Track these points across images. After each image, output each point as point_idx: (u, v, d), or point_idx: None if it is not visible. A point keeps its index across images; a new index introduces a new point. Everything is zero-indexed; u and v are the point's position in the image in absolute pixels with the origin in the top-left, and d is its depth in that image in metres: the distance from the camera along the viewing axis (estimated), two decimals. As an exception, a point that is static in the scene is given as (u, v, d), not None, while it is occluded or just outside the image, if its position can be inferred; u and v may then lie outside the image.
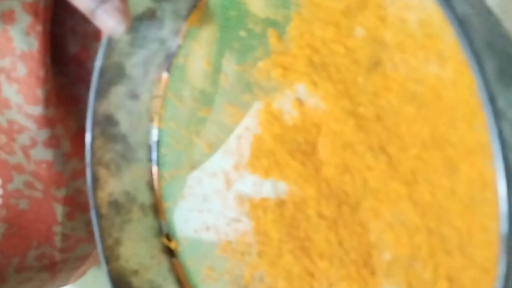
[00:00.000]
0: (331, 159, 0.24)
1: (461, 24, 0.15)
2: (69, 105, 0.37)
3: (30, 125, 0.34)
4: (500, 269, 0.15)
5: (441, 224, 0.20)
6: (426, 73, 0.20)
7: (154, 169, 0.34)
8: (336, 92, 0.23)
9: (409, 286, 0.22)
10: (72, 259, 0.39)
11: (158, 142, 0.34)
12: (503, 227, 0.15)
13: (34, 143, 0.35)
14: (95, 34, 0.37)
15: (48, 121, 0.35)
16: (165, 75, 0.33)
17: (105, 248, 0.32)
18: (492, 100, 0.15)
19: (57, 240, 0.37)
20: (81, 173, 0.37)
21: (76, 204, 0.37)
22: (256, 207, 0.28)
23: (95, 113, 0.32)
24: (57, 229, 0.37)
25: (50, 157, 0.35)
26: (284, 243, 0.26)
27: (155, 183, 0.35)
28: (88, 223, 0.38)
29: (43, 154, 0.35)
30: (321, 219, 0.24)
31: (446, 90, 0.20)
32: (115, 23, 0.27)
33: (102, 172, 0.33)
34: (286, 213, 0.26)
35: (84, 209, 0.38)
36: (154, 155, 0.34)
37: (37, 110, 0.34)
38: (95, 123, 0.33)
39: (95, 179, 0.33)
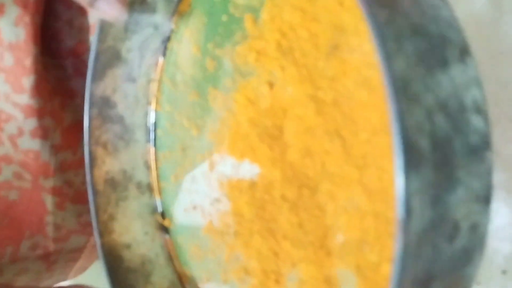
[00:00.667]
0: (295, 143, 0.24)
1: (374, 14, 0.15)
2: (65, 98, 0.38)
3: (17, 114, 0.36)
4: (396, 251, 0.15)
5: (387, 208, 0.20)
6: (376, 57, 0.20)
7: (152, 150, 0.36)
8: (300, 77, 0.24)
9: (358, 269, 0.22)
10: (66, 250, 0.40)
11: (155, 124, 0.36)
12: (400, 213, 0.15)
13: (21, 132, 0.36)
14: (92, 27, 0.38)
15: (35, 112, 0.36)
16: (161, 59, 0.35)
17: (99, 223, 0.35)
18: (405, 84, 0.15)
19: (49, 230, 0.38)
20: (72, 165, 0.39)
21: (65, 195, 0.38)
22: (233, 188, 0.29)
23: (92, 94, 0.34)
24: (49, 219, 0.38)
25: (37, 147, 0.37)
26: (254, 224, 0.27)
27: (152, 163, 0.36)
28: (79, 214, 0.40)
29: (30, 144, 0.36)
30: (284, 201, 0.25)
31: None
32: (117, 12, 0.29)
33: (100, 152, 0.35)
34: (256, 194, 0.27)
35: (74, 200, 0.39)
36: (151, 137, 0.36)
37: (24, 99, 0.35)
38: (92, 104, 0.35)
39: (93, 158, 0.35)
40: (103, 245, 0.34)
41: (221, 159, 0.31)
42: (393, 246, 0.20)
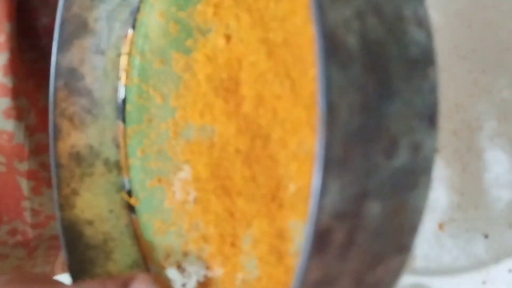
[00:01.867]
0: (249, 93, 0.23)
1: None
2: (40, 78, 0.37)
3: None
4: (318, 148, 0.14)
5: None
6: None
7: (121, 126, 0.35)
8: (252, 22, 0.23)
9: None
10: (46, 236, 0.39)
11: (124, 99, 0.35)
12: (321, 105, 0.14)
13: None
14: None
15: (8, 91, 0.35)
16: (130, 31, 0.34)
17: (61, 196, 0.33)
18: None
19: (27, 215, 0.37)
20: (47, 148, 0.37)
21: (42, 179, 0.37)
22: (193, 153, 0.28)
23: (58, 65, 0.34)
24: (25, 204, 0.37)
25: (11, 128, 0.36)
26: (209, 184, 0.26)
27: (121, 140, 0.35)
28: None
29: (3, 124, 0.36)
30: (237, 154, 0.24)
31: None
32: None
33: (65, 124, 0.35)
34: (214, 154, 0.26)
35: (50, 185, 0.37)
36: (121, 113, 0.35)
37: None
38: (58, 75, 0.34)
39: (57, 130, 0.34)
40: (63, 220, 0.33)
41: (184, 124, 0.30)
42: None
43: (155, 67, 0.32)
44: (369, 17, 0.15)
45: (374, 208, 0.15)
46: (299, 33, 0.21)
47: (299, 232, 0.21)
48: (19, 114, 0.36)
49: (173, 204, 0.31)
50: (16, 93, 0.36)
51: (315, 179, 0.14)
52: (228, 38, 0.26)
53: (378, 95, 0.15)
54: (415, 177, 0.16)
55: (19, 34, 0.37)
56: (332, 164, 0.14)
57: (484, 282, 0.29)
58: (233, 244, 0.25)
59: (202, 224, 0.28)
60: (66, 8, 0.32)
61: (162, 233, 0.32)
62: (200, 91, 0.28)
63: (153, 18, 0.33)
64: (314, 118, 0.21)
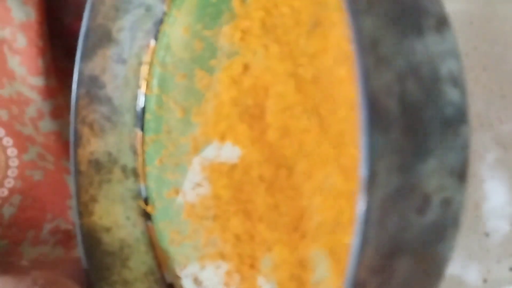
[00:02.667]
0: (274, 122, 0.24)
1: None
2: (62, 77, 0.37)
3: (35, 96, 0.35)
4: (359, 213, 0.14)
5: (361, 188, 0.20)
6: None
7: (139, 134, 0.36)
8: (281, 54, 0.23)
9: (332, 251, 0.21)
10: None
11: (144, 108, 0.35)
12: (363, 171, 0.14)
13: (41, 115, 0.36)
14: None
15: (51, 92, 0.36)
16: (152, 42, 0.35)
17: (80, 203, 0.34)
18: (374, 43, 0.14)
19: (71, 214, 0.38)
20: None
21: None
22: (214, 171, 0.29)
23: (80, 73, 0.34)
24: (70, 202, 0.38)
25: (57, 128, 0.36)
26: (231, 206, 0.26)
27: (139, 147, 0.36)
28: None
29: (50, 126, 0.36)
30: (261, 181, 0.24)
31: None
32: None
33: (85, 131, 0.35)
34: (235, 176, 0.26)
35: None
36: (140, 121, 0.36)
37: (40, 81, 0.35)
38: (80, 83, 0.34)
39: (78, 137, 0.35)
40: (82, 226, 0.33)
41: (204, 141, 0.30)
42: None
43: (176, 80, 0.32)
44: (408, 80, 0.15)
45: (404, 262, 0.16)
46: (329, 72, 0.21)
47: (320, 264, 0.22)
48: (62, 112, 0.37)
49: (191, 217, 0.31)
50: (55, 92, 0.36)
51: (355, 239, 0.15)
52: (246, 67, 0.26)
53: (414, 155, 0.15)
54: (444, 231, 0.16)
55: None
56: (370, 225, 0.15)
57: None
58: (252, 266, 0.26)
59: (220, 241, 0.28)
60: (91, 18, 0.33)
61: (177, 244, 0.33)
62: (223, 112, 0.28)
63: (176, 31, 0.33)
64: (342, 156, 0.21)
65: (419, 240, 0.16)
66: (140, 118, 0.36)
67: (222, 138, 0.28)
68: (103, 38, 0.34)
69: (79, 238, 0.33)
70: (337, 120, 0.21)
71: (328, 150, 0.21)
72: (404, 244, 0.15)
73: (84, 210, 0.34)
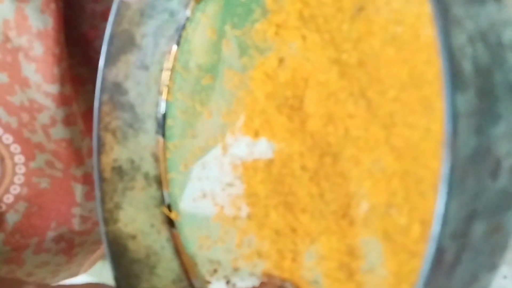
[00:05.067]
0: (316, 111, 0.24)
1: None
2: (77, 85, 0.37)
3: (49, 103, 0.35)
4: (443, 172, 0.14)
5: (417, 166, 0.19)
6: (407, 13, 0.20)
7: (161, 140, 0.35)
8: (322, 42, 0.23)
9: (385, 235, 0.21)
10: (88, 243, 0.39)
11: (165, 114, 0.35)
12: (448, 130, 0.14)
13: (53, 122, 0.36)
14: (104, 13, 0.38)
15: (65, 99, 0.35)
16: (174, 47, 0.35)
17: (105, 211, 0.33)
18: (447, 6, 0.14)
19: (75, 222, 0.38)
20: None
21: (94, 183, 0.38)
22: (247, 169, 0.28)
23: (104, 79, 0.34)
24: (76, 210, 0.37)
25: (69, 135, 0.36)
26: (270, 200, 0.26)
27: (161, 154, 0.35)
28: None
29: (62, 133, 0.36)
30: (304, 171, 0.24)
31: (425, 27, 0.19)
32: None
33: (108, 138, 0.35)
34: (273, 170, 0.26)
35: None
36: (161, 127, 0.35)
37: (55, 88, 0.35)
38: (103, 89, 0.34)
39: (101, 144, 0.34)
40: (107, 234, 0.32)
41: (234, 140, 0.30)
42: (424, 205, 0.19)
43: (203, 83, 0.32)
44: (478, 43, 0.15)
45: (479, 228, 0.16)
46: (376, 54, 0.21)
47: (371, 249, 0.21)
48: (74, 120, 0.36)
49: (221, 220, 0.31)
50: (70, 100, 0.36)
51: (440, 201, 0.14)
52: (281, 61, 0.26)
53: (487, 118, 0.15)
54: (510, 199, 0.16)
55: None
56: (453, 186, 0.14)
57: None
58: (294, 260, 0.25)
59: (256, 239, 0.28)
60: (117, 23, 0.33)
61: (207, 249, 0.32)
62: (257, 108, 0.28)
63: (200, 35, 0.33)
64: (393, 137, 0.21)
65: (492, 205, 0.15)
66: (162, 125, 0.35)
67: (256, 134, 0.28)
68: (127, 43, 0.34)
69: (105, 245, 0.32)
70: (386, 102, 0.21)
71: (377, 132, 0.21)
72: (480, 209, 0.15)
73: (109, 217, 0.33)
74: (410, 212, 0.20)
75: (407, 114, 0.20)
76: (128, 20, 0.33)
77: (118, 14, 0.32)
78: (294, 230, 0.25)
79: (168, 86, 0.35)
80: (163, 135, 0.35)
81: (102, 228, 0.33)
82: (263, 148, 0.28)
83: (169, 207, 0.34)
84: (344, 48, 0.22)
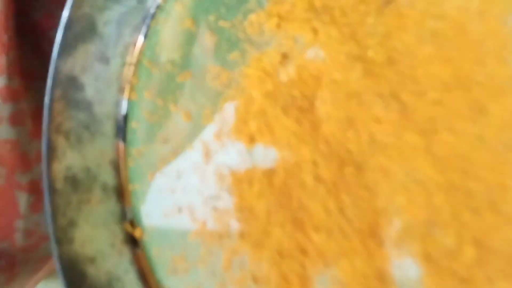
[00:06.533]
0: (331, 114, 0.21)
1: None
2: (27, 79, 0.32)
3: None
4: None
5: (467, 179, 0.17)
6: (448, 6, 0.18)
7: (121, 146, 0.31)
8: (341, 37, 0.20)
9: (426, 257, 0.18)
10: (33, 260, 0.33)
11: (127, 115, 0.31)
12: None
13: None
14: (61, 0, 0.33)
15: (12, 94, 0.30)
16: (140, 39, 0.30)
17: (58, 229, 0.28)
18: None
19: (18, 237, 0.32)
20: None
21: (41, 192, 0.32)
22: (239, 180, 0.25)
23: (57, 71, 0.29)
24: (19, 224, 0.32)
25: (15, 136, 0.31)
26: (273, 216, 0.22)
27: (121, 161, 0.31)
28: None
29: (7, 133, 0.31)
30: (319, 183, 0.21)
31: (471, 23, 0.17)
32: None
33: (60, 142, 0.29)
34: (276, 181, 0.23)
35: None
36: (122, 131, 0.31)
37: (1, 81, 0.30)
38: (56, 84, 0.29)
39: (52, 148, 0.29)
40: (61, 257, 0.27)
41: (220, 146, 0.26)
42: (477, 224, 0.17)
43: (178, 80, 0.28)
44: None
45: None
46: (410, 52, 0.19)
47: (406, 275, 0.19)
48: (22, 119, 0.31)
49: (202, 237, 0.27)
50: (18, 95, 0.30)
51: None
52: (284, 56, 0.23)
53: None
54: None
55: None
56: None
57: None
58: (302, 286, 0.22)
59: (251, 261, 0.24)
60: (76, 5, 0.28)
61: (183, 271, 0.28)
62: (252, 109, 0.24)
63: (174, 26, 0.29)
64: (434, 145, 0.19)
65: None
66: (122, 128, 0.31)
67: (251, 140, 0.24)
68: (87, 30, 0.29)
69: (59, 270, 0.27)
70: (424, 105, 0.19)
71: (413, 139, 0.19)
72: None
73: (62, 236, 0.28)
74: (459, 231, 0.17)
75: (451, 119, 0.18)
76: (90, 2, 0.28)
77: (79, -5, 0.27)
78: (303, 251, 0.22)
79: (131, 83, 0.31)
80: (124, 139, 0.31)
81: (55, 250, 0.27)
82: (259, 156, 0.24)
83: (131, 223, 0.30)
84: (369, 43, 0.20)
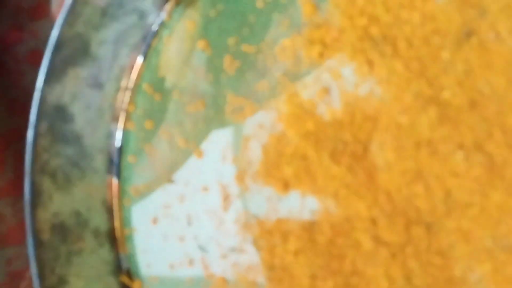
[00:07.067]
0: (393, 163, 0.18)
1: None
2: None
3: None
4: None
5: None
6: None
7: (114, 183, 0.26)
8: (407, 73, 0.17)
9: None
10: None
11: (121, 148, 0.26)
12: None
13: None
14: (33, 10, 0.28)
15: None
16: (139, 60, 0.26)
17: (45, 290, 0.23)
18: None
19: None
20: (1, 193, 0.28)
21: None
22: (269, 233, 0.21)
23: (43, 101, 0.24)
24: None
25: None
26: (320, 281, 0.19)
27: (114, 202, 0.26)
28: (9, 261, 0.28)
29: None
30: (380, 245, 0.18)
31: None
32: None
33: (46, 184, 0.24)
34: (320, 239, 0.19)
35: (2, 242, 0.28)
36: (116, 166, 0.26)
37: None
38: (42, 116, 0.24)
39: (37, 192, 0.24)
40: (52, 324, 0.23)
41: (244, 191, 0.23)
42: None
43: (189, 110, 0.24)
44: None
45: None
46: (497, 95, 0.16)
47: None
48: None
49: (220, 294, 0.23)
50: None
51: None
52: (326, 91, 0.19)
53: None
54: None
55: None
56: None
57: None
58: None
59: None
60: (69, 23, 0.23)
61: (194, 333, 0.24)
62: (286, 151, 0.21)
63: (180, 47, 0.25)
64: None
65: None
66: (117, 162, 0.26)
67: (285, 186, 0.21)
68: (79, 52, 0.24)
69: None
70: (518, 159, 0.16)
71: (502, 199, 0.16)
72: None
73: (52, 299, 0.24)
74: None
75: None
76: (85, 20, 0.23)
77: (73, 12, 0.23)
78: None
79: (127, 110, 0.26)
80: (118, 175, 0.26)
81: (43, 318, 0.23)
82: (294, 205, 0.21)
83: (128, 274, 0.26)
84: (444, 83, 0.17)
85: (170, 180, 0.25)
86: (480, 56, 0.16)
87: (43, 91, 0.23)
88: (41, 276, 0.23)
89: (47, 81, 0.23)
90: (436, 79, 0.17)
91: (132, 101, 0.25)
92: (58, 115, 0.24)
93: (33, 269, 0.23)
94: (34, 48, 0.27)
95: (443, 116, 0.17)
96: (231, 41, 0.22)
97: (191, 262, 0.23)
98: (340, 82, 0.19)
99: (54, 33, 0.22)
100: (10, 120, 0.27)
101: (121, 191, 0.26)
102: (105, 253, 0.25)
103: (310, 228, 0.20)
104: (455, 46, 0.17)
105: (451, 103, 0.16)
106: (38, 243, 0.23)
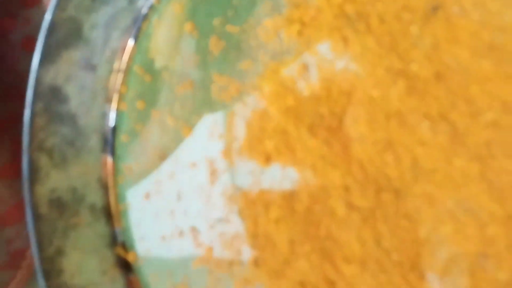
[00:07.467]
0: (366, 134, 0.19)
1: None
2: None
3: None
4: None
5: (529, 210, 0.16)
6: (510, 17, 0.16)
7: (109, 161, 0.27)
8: (379, 48, 0.18)
9: (477, 293, 0.17)
10: None
11: (115, 128, 0.27)
12: None
13: None
14: None
15: None
16: (130, 43, 0.27)
17: (44, 260, 0.24)
18: None
19: None
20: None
21: None
22: (253, 203, 0.22)
23: (38, 82, 0.25)
24: None
25: None
26: (298, 246, 0.20)
27: (109, 179, 0.27)
28: (9, 241, 0.29)
29: None
30: (352, 211, 0.19)
31: (536, 37, 0.16)
32: None
33: (44, 161, 0.26)
34: (298, 207, 0.20)
35: (3, 223, 0.29)
36: (110, 145, 0.27)
37: None
38: (37, 96, 0.25)
39: (34, 169, 0.25)
40: (50, 291, 0.24)
41: (229, 165, 0.24)
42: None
43: (178, 91, 0.25)
44: None
45: None
46: (463, 67, 0.17)
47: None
48: None
49: (208, 263, 0.24)
50: None
51: None
52: (304, 68, 0.20)
53: None
54: None
55: None
56: None
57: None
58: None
59: (268, 292, 0.22)
60: (60, 8, 0.24)
61: (185, 301, 0.25)
62: (268, 126, 0.22)
63: (169, 30, 0.26)
64: (489, 172, 0.17)
65: None
66: (111, 142, 0.27)
67: (267, 159, 0.22)
68: (71, 35, 0.25)
69: (49, 309, 0.24)
70: (479, 127, 0.16)
71: (465, 165, 0.17)
72: None
73: (50, 268, 0.24)
74: (520, 267, 0.16)
75: (510, 144, 0.16)
76: (76, 4, 0.24)
77: (64, -5, 0.24)
78: (331, 284, 0.19)
79: (120, 92, 0.27)
80: (113, 154, 0.27)
81: (42, 284, 0.24)
82: (276, 177, 0.22)
83: (123, 247, 0.27)
84: (413, 56, 0.18)
85: (160, 158, 0.26)
86: (446, 29, 0.17)
87: (38, 72, 0.24)
88: (40, 248, 0.24)
89: (41, 62, 0.24)
90: (406, 53, 0.18)
91: (124, 82, 0.26)
92: (53, 96, 0.25)
93: (32, 241, 0.24)
94: (28, 34, 0.28)
95: (411, 88, 0.17)
96: (216, 22, 0.23)
97: (181, 233, 0.25)
98: (318, 59, 0.20)
99: (47, 17, 0.23)
100: (5, 105, 0.28)
101: (115, 169, 0.27)
102: (101, 227, 0.26)
103: (289, 197, 0.21)
104: (423, 21, 0.17)
105: (419, 76, 0.17)
106: (36, 217, 0.24)
